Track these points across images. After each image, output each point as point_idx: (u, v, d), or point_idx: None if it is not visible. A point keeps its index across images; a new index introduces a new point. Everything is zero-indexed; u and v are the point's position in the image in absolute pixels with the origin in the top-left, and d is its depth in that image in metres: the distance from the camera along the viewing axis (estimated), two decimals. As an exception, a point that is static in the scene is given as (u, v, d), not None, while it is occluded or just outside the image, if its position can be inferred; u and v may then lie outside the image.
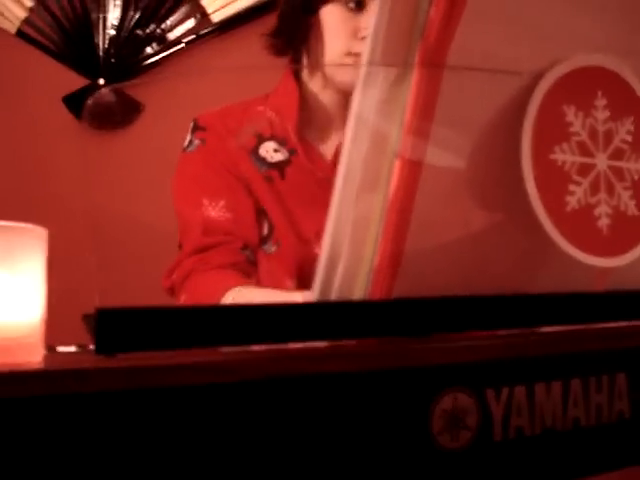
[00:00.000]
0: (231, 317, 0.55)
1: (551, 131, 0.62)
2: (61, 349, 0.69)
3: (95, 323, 0.51)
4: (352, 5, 1.26)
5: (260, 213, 1.28)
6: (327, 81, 1.33)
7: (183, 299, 1.22)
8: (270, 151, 1.30)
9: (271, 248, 1.27)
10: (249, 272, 1.23)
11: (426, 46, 0.56)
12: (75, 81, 1.98)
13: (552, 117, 0.62)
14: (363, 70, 0.56)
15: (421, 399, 0.59)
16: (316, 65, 1.30)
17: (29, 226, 0.54)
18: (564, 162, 0.63)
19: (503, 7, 0.59)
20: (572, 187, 0.63)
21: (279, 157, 1.30)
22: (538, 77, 0.61)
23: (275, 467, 0.52)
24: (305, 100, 1.34)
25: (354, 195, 0.60)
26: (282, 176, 1.29)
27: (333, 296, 0.62)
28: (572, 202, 0.63)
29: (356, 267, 0.61)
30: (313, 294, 0.63)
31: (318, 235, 1.26)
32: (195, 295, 1.19)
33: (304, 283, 1.24)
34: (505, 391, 0.63)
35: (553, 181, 0.62)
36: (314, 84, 1.34)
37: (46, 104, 2.00)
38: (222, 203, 1.26)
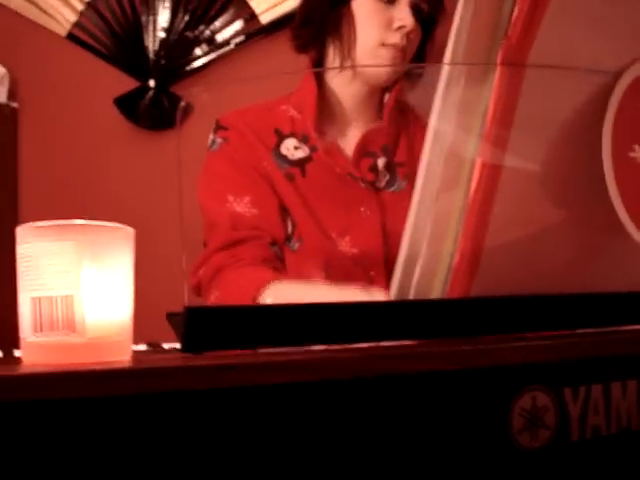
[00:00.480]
0: (316, 315, 0.56)
1: (630, 129, 0.62)
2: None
3: (184, 321, 0.52)
4: None
5: (283, 210, 1.28)
6: (355, 74, 1.32)
7: (215, 296, 1.20)
8: (291, 149, 1.30)
9: (295, 245, 1.26)
10: (279, 268, 1.23)
11: (508, 46, 0.56)
12: (126, 83, 2.01)
13: (631, 115, 0.62)
14: (445, 69, 0.56)
15: (501, 397, 0.59)
16: (348, 56, 1.29)
17: (117, 225, 0.55)
18: (644, 160, 0.62)
19: (584, 6, 0.59)
20: (652, 185, 0.63)
21: (300, 154, 1.30)
22: (617, 75, 0.61)
23: (365, 462, 0.53)
24: (325, 96, 1.33)
25: (434, 193, 0.60)
26: (303, 173, 1.29)
27: (411, 294, 0.62)
28: (652, 200, 0.63)
29: (435, 265, 0.61)
30: (391, 292, 0.63)
31: (341, 233, 1.27)
32: (229, 291, 1.17)
33: (330, 279, 1.23)
34: (582, 390, 0.63)
35: (633, 179, 0.62)
36: (338, 79, 1.33)
37: (97, 105, 2.02)
38: (247, 199, 1.25)
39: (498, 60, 0.57)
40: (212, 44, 2.00)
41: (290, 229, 1.27)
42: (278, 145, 1.30)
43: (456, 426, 0.57)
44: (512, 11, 0.57)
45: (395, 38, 1.26)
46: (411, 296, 0.62)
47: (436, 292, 0.62)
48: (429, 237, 0.61)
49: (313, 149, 1.30)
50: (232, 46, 1.99)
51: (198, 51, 2.00)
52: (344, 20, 1.28)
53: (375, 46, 1.27)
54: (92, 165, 2.03)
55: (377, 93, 1.34)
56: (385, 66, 1.29)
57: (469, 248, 0.60)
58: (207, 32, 1.99)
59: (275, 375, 0.50)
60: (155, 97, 2.00)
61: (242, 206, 1.25)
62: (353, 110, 1.35)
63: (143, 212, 1.97)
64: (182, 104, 0.56)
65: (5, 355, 0.78)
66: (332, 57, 1.33)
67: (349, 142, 1.34)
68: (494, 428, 0.58)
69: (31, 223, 0.54)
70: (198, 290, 1.24)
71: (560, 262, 0.66)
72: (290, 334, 0.55)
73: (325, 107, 1.32)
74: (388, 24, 1.26)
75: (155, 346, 0.76)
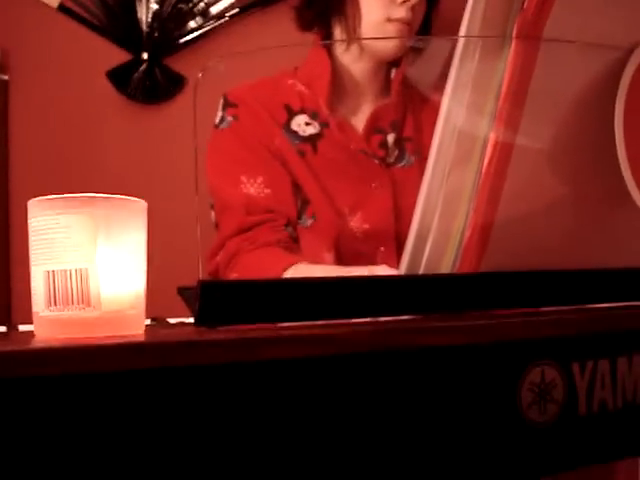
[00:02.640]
0: (329, 290, 0.56)
1: (642, 105, 0.62)
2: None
3: (198, 295, 0.52)
4: None
5: (295, 187, 1.28)
6: (363, 50, 1.31)
7: (234, 277, 1.20)
8: (302, 125, 1.29)
9: (307, 221, 1.26)
10: (293, 249, 1.23)
11: (524, 19, 0.56)
12: (118, 55, 1.99)
13: (643, 91, 0.62)
14: (460, 43, 0.56)
15: (511, 372, 0.59)
16: (354, 34, 1.28)
17: (130, 199, 0.55)
18: (655, 135, 0.62)
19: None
20: (662, 160, 0.63)
21: (311, 130, 1.29)
22: (630, 50, 0.61)
23: (376, 436, 0.53)
24: (336, 72, 1.32)
25: (446, 170, 0.60)
26: (315, 150, 1.28)
27: (421, 269, 0.62)
28: (662, 175, 0.63)
29: (445, 240, 0.61)
30: (401, 267, 0.63)
31: (353, 209, 1.27)
32: (248, 274, 1.18)
33: (340, 256, 1.24)
34: (589, 365, 0.63)
35: (643, 155, 0.62)
36: (347, 55, 1.33)
37: (89, 78, 2.00)
38: (260, 179, 1.25)
39: (514, 34, 0.56)
40: (206, 17, 1.97)
41: (302, 206, 1.26)
42: (289, 121, 1.29)
43: (466, 401, 0.57)
44: (529, -16, 0.56)
45: (400, 12, 1.25)
46: (421, 271, 0.62)
47: (446, 267, 0.62)
48: (440, 213, 0.61)
49: (324, 125, 1.29)
50: (226, 19, 1.97)
51: (192, 24, 1.97)
52: None
53: (381, 22, 1.26)
54: (84, 138, 2.02)
55: (384, 68, 1.34)
56: (391, 38, 1.28)
57: (480, 224, 0.60)
58: (201, 4, 1.97)
59: (290, 349, 0.50)
60: (148, 70, 1.98)
61: (255, 187, 1.24)
62: (361, 86, 1.34)
63: (136, 185, 1.95)
64: (199, 76, 0.55)
65: (10, 330, 0.78)
66: (339, 35, 1.32)
67: (358, 118, 1.34)
68: (504, 402, 0.59)
69: (43, 197, 0.54)
70: (216, 275, 1.25)
71: (569, 237, 0.67)
72: (303, 309, 0.55)
73: (335, 83, 1.31)
74: None
75: (160, 321, 0.76)
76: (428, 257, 0.62)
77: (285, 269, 1.08)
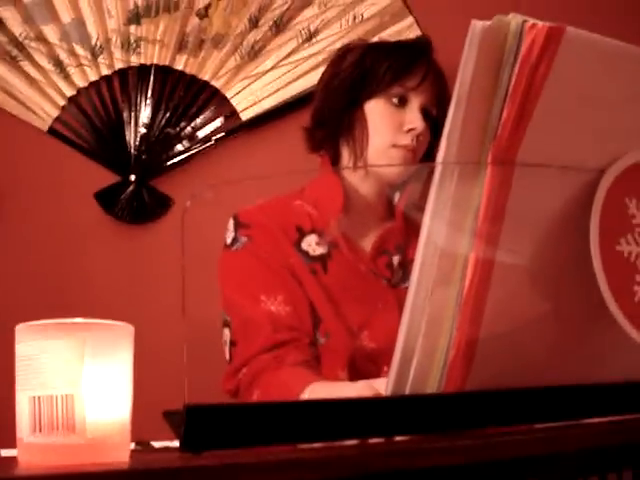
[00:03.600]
0: (314, 412, 0.56)
1: (616, 224, 0.64)
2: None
3: (184, 420, 0.51)
4: (395, 100, 1.33)
5: (311, 306, 1.29)
6: (368, 174, 1.36)
7: (256, 394, 1.19)
8: (312, 244, 1.32)
9: (320, 340, 1.27)
10: (315, 367, 1.22)
11: (498, 146, 0.59)
12: (106, 177, 2.02)
13: (616, 210, 0.64)
14: (438, 168, 0.59)
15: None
16: (361, 157, 1.33)
17: (117, 323, 0.55)
18: (630, 253, 0.64)
19: (568, 109, 0.62)
20: (639, 277, 0.64)
21: (321, 251, 1.32)
22: (601, 173, 0.64)
23: None
24: (345, 193, 1.36)
25: (429, 289, 0.61)
26: (325, 269, 1.31)
27: (407, 389, 0.62)
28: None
29: (430, 360, 0.62)
30: (387, 388, 0.63)
31: (360, 328, 1.28)
32: (271, 392, 1.16)
33: (354, 374, 1.24)
34: (579, 483, 0.63)
35: (620, 272, 0.64)
36: (354, 176, 1.37)
37: (78, 200, 2.03)
38: (280, 298, 1.26)
39: (489, 159, 0.59)
40: (193, 140, 2.03)
41: (315, 324, 1.27)
42: (299, 241, 1.32)
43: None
44: (501, 113, 0.59)
45: (406, 140, 1.32)
46: (407, 391, 0.62)
47: (432, 387, 0.62)
48: (424, 333, 0.62)
49: (332, 246, 1.32)
50: (212, 142, 2.03)
51: (179, 147, 2.03)
52: (357, 122, 1.34)
53: (387, 147, 1.33)
54: (72, 259, 2.03)
55: (388, 192, 1.38)
56: (394, 165, 1.33)
57: (464, 343, 0.61)
58: (188, 128, 2.03)
59: (276, 475, 0.50)
60: (135, 191, 2.02)
61: (276, 305, 1.26)
62: (367, 207, 1.38)
63: (123, 306, 1.96)
64: (187, 203, 0.58)
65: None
66: (346, 156, 1.37)
67: (366, 239, 1.37)
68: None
69: (30, 322, 0.54)
70: (236, 392, 1.23)
71: (552, 352, 0.67)
72: (290, 432, 0.55)
73: (344, 204, 1.35)
74: (399, 126, 1.32)
75: (144, 444, 0.75)
76: (414, 377, 0.62)
77: (305, 387, 1.07)
